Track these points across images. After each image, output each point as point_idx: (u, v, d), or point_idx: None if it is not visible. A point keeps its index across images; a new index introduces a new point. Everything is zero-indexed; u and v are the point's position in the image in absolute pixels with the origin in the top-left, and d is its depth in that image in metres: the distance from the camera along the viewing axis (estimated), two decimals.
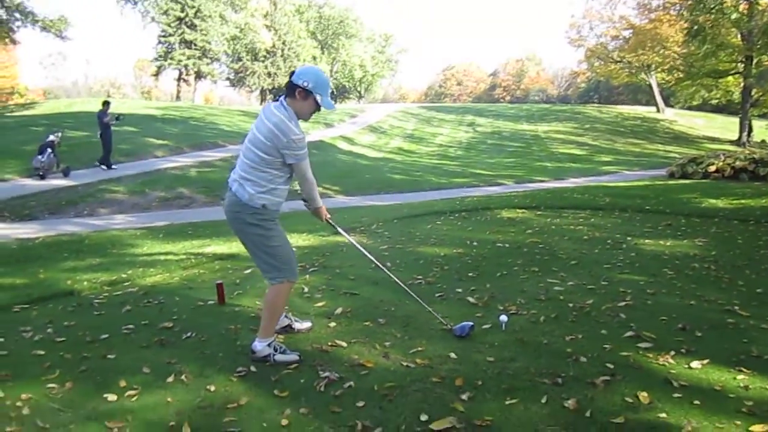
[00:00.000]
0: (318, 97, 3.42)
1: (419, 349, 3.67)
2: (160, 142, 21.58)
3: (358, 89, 68.54)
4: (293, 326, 3.96)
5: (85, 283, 5.52)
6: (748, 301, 4.60)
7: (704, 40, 20.51)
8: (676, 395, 3.03)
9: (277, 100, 3.51)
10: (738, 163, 17.03)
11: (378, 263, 4.26)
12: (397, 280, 4.29)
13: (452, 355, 3.57)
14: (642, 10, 38.97)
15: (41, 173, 14.77)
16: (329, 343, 3.76)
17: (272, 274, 3.56)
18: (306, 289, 4.89)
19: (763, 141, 30.26)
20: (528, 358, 3.51)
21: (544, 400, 2.99)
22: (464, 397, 3.03)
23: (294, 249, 3.77)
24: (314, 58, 55.18)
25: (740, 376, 3.25)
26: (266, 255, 3.55)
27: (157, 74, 54.31)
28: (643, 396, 3.01)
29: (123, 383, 3.23)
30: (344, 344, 3.75)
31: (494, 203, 10.40)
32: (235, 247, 6.97)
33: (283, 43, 53.10)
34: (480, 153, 30.04)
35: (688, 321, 4.09)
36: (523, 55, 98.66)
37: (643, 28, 38.87)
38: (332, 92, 3.61)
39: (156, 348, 3.76)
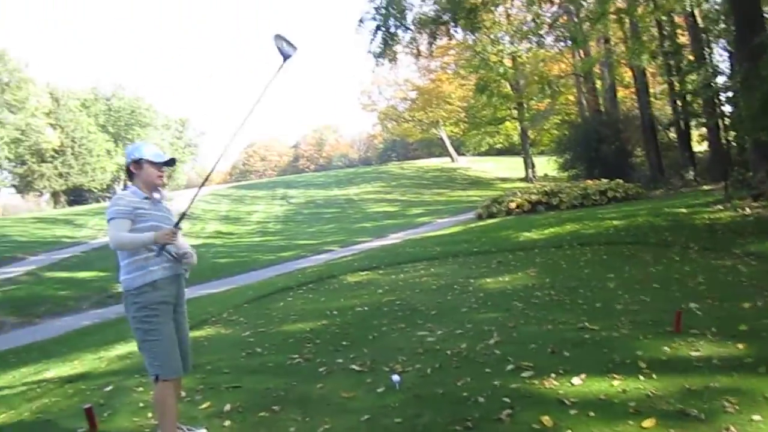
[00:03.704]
0: (149, 159, 3.57)
1: (326, 427, 3.64)
2: None
3: None
4: None
5: None
6: (594, 316, 5.18)
7: (491, 93, 23.17)
8: (572, 412, 3.34)
9: None
10: (533, 197, 19.01)
11: None
12: None
13: (360, 425, 3.60)
14: (423, 71, 42.53)
15: None
16: None
17: (149, 369, 3.49)
18: (183, 393, 4.61)
19: (545, 175, 33.99)
20: (432, 411, 3.64)
21: None
22: None
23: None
24: (108, 152, 52.47)
25: (615, 382, 3.66)
26: (140, 349, 3.53)
27: None
28: (546, 420, 3.27)
29: None
30: None
31: (336, 270, 10.57)
32: (80, 365, 6.38)
33: (72, 140, 49.91)
34: (299, 224, 30.26)
35: (554, 344, 4.52)
36: (320, 124, 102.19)
37: (426, 88, 42.36)
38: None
39: None
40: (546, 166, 33.73)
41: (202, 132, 74.62)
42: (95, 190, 52.88)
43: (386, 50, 13.08)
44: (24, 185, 51.56)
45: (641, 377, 3.68)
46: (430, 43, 13.54)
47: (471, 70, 23.82)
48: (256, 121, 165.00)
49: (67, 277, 16.40)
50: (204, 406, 4.34)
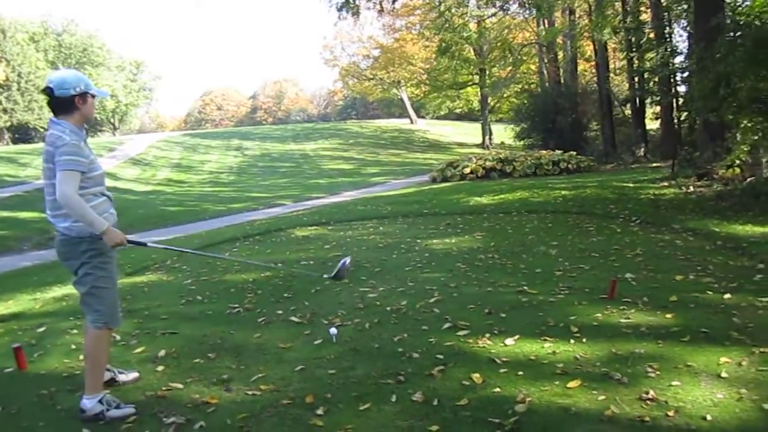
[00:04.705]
0: (93, 92, 3.35)
1: (259, 375, 3.64)
2: None
3: (111, 121, 64.21)
4: (118, 379, 3.67)
5: None
6: (533, 281, 5.29)
7: (452, 56, 23.10)
8: (502, 371, 3.42)
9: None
10: (488, 164, 19.20)
11: (222, 256, 4.26)
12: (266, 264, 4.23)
13: (294, 375, 3.61)
14: (388, 30, 41.97)
15: None
16: (163, 388, 3.56)
17: (92, 316, 3.32)
18: (118, 337, 4.54)
19: (502, 143, 34.27)
20: (366, 364, 3.68)
21: (393, 399, 3.17)
22: (319, 412, 3.10)
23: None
24: None
25: (546, 345, 3.76)
26: (87, 295, 3.32)
27: None
28: (476, 377, 3.34)
29: None
30: (180, 386, 3.58)
31: (284, 223, 10.51)
32: (14, 305, 6.22)
33: (19, 75, 47.71)
34: (253, 176, 29.88)
35: (492, 305, 4.60)
36: (280, 77, 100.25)
37: (390, 47, 41.87)
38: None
39: None
40: (503, 133, 33.96)
41: (157, 76, 71.82)
42: (42, 129, 50.90)
43: (348, 2, 12.82)
44: None
45: (572, 341, 3.79)
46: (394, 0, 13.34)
47: (435, 32, 23.62)
48: (213, 68, 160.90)
49: (7, 217, 15.91)
50: (138, 350, 4.29)
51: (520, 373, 3.36)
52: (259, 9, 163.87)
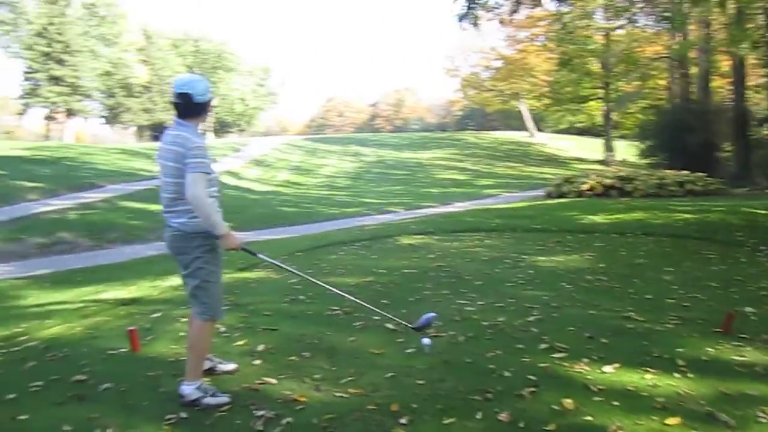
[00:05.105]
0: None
1: (350, 378, 3.71)
2: (32, 184, 20.17)
3: (239, 123, 67.67)
4: (217, 368, 3.87)
5: None
6: (641, 307, 5.03)
7: (573, 69, 22.48)
8: (596, 399, 3.27)
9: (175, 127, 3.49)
10: (607, 181, 18.42)
11: (319, 282, 4.56)
12: (346, 295, 4.41)
13: (383, 381, 3.64)
14: (510, 41, 41.42)
15: None
16: (258, 381, 3.71)
17: (199, 309, 3.51)
18: (223, 329, 4.78)
19: (624, 160, 32.84)
20: (456, 378, 3.64)
21: (479, 416, 3.12)
22: (403, 421, 3.11)
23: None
24: None
25: (648, 376, 3.56)
26: (197, 288, 3.49)
27: (22, 113, 50.81)
28: (568, 402, 3.22)
29: None
30: (273, 381, 3.71)
31: (392, 231, 10.62)
32: (136, 290, 6.70)
33: (160, 78, 51.50)
34: (367, 182, 30.43)
35: (593, 329, 4.42)
36: (401, 85, 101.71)
37: (512, 58, 41.31)
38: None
39: (73, 404, 3.54)
40: (626, 150, 32.53)
41: (283, 82, 75.10)
42: None
43: (470, 13, 12.80)
44: (112, 117, 53.83)
45: (676, 374, 3.57)
46: (513, 10, 13.16)
47: (557, 43, 23.03)
48: (336, 75, 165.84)
49: (139, 208, 17.10)
50: (239, 343, 4.49)
51: (616, 403, 3.20)
52: (381, 17, 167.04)
